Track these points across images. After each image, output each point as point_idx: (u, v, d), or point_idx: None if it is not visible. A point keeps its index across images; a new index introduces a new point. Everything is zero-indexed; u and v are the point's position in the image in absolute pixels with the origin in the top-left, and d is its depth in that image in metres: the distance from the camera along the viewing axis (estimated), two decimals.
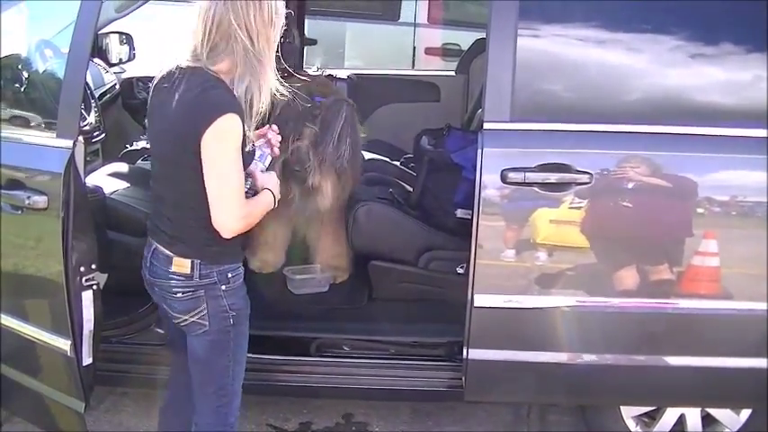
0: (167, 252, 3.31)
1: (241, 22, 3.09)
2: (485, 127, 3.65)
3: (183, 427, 3.65)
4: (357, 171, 4.72)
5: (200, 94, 3.10)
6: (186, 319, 3.35)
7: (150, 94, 3.33)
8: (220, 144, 3.08)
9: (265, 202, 3.35)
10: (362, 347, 4.38)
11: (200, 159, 3.09)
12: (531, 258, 3.77)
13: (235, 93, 3.14)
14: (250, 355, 3.75)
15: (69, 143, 3.48)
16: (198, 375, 3.47)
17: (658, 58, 3.73)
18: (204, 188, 3.11)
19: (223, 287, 3.30)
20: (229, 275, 3.31)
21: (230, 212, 3.14)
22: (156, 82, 3.29)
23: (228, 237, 3.17)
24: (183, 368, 3.53)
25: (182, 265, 3.28)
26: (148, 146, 5.74)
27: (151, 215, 3.47)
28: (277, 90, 3.27)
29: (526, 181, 3.62)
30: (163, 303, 3.42)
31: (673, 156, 3.69)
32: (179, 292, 3.32)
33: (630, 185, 3.70)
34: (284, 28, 3.26)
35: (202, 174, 3.11)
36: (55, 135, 3.57)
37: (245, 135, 3.15)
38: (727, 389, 3.91)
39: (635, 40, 3.77)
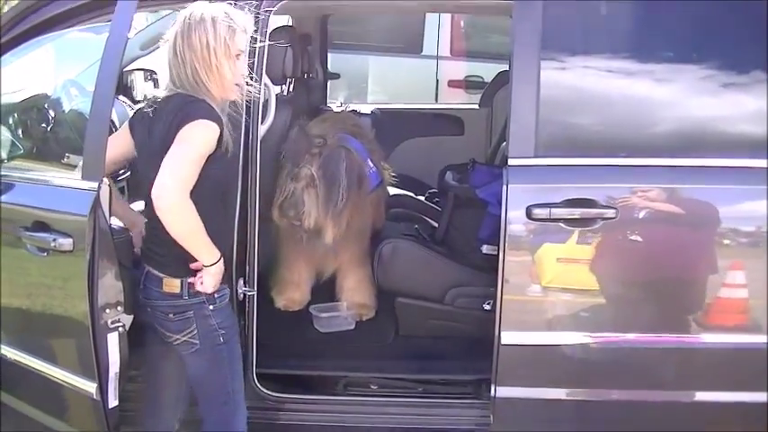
0: (158, 273, 3.46)
1: (187, 49, 3.33)
2: (509, 163, 3.65)
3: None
4: (381, 213, 4.72)
5: (179, 111, 3.31)
6: (178, 339, 3.48)
7: (131, 122, 3.54)
8: (192, 129, 3.26)
9: (201, 246, 3.36)
10: (390, 385, 4.36)
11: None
12: (557, 294, 3.75)
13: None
14: (278, 394, 3.76)
15: (95, 185, 3.48)
16: (199, 392, 3.65)
17: (685, 89, 3.72)
18: None
19: (210, 307, 3.44)
20: (216, 295, 3.44)
21: (171, 177, 3.22)
22: (136, 111, 3.56)
23: (158, 205, 3.23)
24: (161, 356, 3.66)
25: (172, 285, 3.44)
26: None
27: (144, 239, 3.60)
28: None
29: (551, 217, 3.60)
30: (156, 324, 3.53)
31: (700, 188, 3.67)
32: (170, 312, 3.47)
33: (656, 219, 3.68)
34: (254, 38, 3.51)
35: None
36: (80, 177, 3.57)
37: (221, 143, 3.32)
38: (758, 423, 3.85)
39: (660, 70, 3.76)
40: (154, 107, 3.41)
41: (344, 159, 4.46)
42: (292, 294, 4.97)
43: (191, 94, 3.34)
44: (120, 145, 3.55)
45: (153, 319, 3.53)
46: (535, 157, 3.64)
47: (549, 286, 3.73)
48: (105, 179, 3.49)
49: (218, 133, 3.28)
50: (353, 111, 5.74)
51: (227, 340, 3.50)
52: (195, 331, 3.45)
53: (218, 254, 3.37)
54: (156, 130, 3.36)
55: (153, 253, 3.48)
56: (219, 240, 3.43)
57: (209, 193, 3.36)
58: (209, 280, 3.37)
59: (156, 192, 3.22)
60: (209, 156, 3.29)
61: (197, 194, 3.28)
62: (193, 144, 3.25)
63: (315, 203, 4.37)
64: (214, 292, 3.42)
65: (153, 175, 3.26)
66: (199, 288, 3.39)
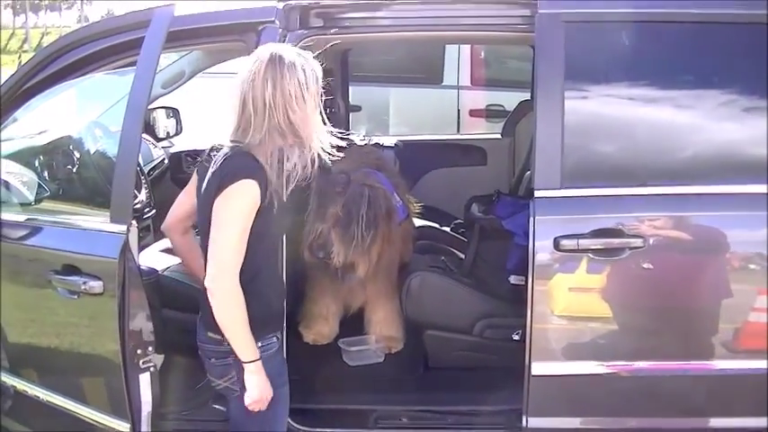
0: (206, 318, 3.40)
1: (258, 97, 3.22)
2: (536, 195, 3.65)
3: None
4: (408, 246, 4.73)
5: (220, 167, 3.25)
6: (220, 384, 3.45)
7: (197, 172, 3.47)
8: (227, 202, 3.22)
9: (240, 339, 3.30)
10: (421, 417, 4.33)
11: None
12: (587, 324, 3.76)
13: (266, 163, 3.26)
14: (309, 428, 3.76)
15: (123, 228, 3.51)
16: None
17: (710, 115, 3.73)
18: None
19: None
20: (259, 344, 3.34)
21: (216, 266, 3.21)
22: (198, 163, 3.47)
23: (209, 289, 3.22)
24: None
25: (217, 330, 3.33)
26: None
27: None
28: (317, 156, 3.34)
29: (579, 248, 3.60)
30: (205, 367, 3.51)
31: (726, 215, 3.67)
32: (212, 357, 3.43)
33: (684, 247, 3.68)
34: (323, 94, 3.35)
35: None
36: (108, 219, 3.60)
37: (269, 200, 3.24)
38: None
39: (686, 96, 3.77)
40: (210, 156, 3.37)
41: (366, 196, 4.47)
42: (321, 328, 4.98)
43: (238, 145, 3.29)
44: (192, 195, 3.53)
45: (202, 360, 3.51)
46: (561, 188, 3.64)
47: (578, 316, 3.73)
48: (133, 222, 3.52)
49: (259, 188, 3.22)
50: (376, 144, 5.74)
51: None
52: (235, 378, 3.38)
53: (256, 354, 3.30)
54: (206, 182, 3.34)
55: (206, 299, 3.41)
56: (268, 290, 3.44)
57: (252, 249, 3.30)
58: (250, 380, 3.31)
59: (207, 279, 3.23)
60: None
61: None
62: (232, 223, 3.23)
63: (341, 242, 4.38)
64: (258, 342, 3.32)
65: (205, 226, 3.31)
66: (247, 402, 3.34)
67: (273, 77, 3.22)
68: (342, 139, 3.40)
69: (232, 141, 3.29)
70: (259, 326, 3.36)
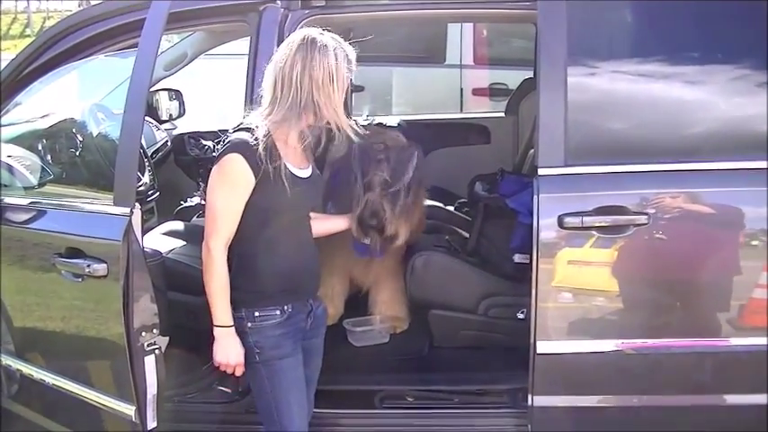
0: None
1: (286, 76, 3.35)
2: (539, 173, 3.64)
3: None
4: (424, 217, 4.69)
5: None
6: None
7: None
8: (213, 174, 3.40)
9: (217, 304, 3.44)
10: (426, 397, 4.34)
11: None
12: (591, 301, 3.75)
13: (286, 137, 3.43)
14: (315, 409, 3.76)
15: (127, 210, 3.51)
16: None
17: (716, 91, 3.71)
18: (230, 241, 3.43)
19: (249, 324, 3.49)
20: (256, 314, 3.48)
21: (205, 231, 3.40)
22: None
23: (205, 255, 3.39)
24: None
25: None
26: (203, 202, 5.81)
27: None
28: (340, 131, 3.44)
29: (584, 225, 3.60)
30: None
31: (731, 191, 3.66)
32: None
33: (688, 223, 3.68)
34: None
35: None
36: (112, 202, 3.60)
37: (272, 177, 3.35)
38: None
39: (690, 72, 3.75)
40: None
41: (415, 158, 4.40)
42: (327, 309, 4.94)
43: (246, 123, 3.43)
44: None
45: None
46: (565, 165, 3.63)
47: (583, 294, 3.73)
48: (137, 204, 3.52)
49: (247, 163, 3.33)
50: (379, 124, 5.72)
51: (262, 360, 3.51)
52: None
53: (228, 321, 3.45)
54: None
55: None
56: (277, 263, 3.51)
57: (252, 221, 3.42)
58: (216, 343, 3.48)
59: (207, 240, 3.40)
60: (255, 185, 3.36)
61: (243, 223, 3.41)
62: (215, 192, 3.39)
63: (392, 209, 4.28)
64: (254, 311, 3.47)
65: None
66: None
67: (303, 59, 3.32)
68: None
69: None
70: (254, 300, 3.50)
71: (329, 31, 3.43)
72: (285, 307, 3.52)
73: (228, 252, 3.41)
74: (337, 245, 4.55)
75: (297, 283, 3.57)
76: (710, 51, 3.74)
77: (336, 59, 3.34)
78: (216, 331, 3.45)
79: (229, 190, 3.36)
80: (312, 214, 3.74)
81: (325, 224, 3.98)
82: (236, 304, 3.48)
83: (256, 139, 3.32)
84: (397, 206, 4.25)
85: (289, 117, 3.35)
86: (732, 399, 3.80)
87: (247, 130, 3.37)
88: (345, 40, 3.44)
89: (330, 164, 4.63)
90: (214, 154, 3.49)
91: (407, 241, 4.52)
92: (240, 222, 3.41)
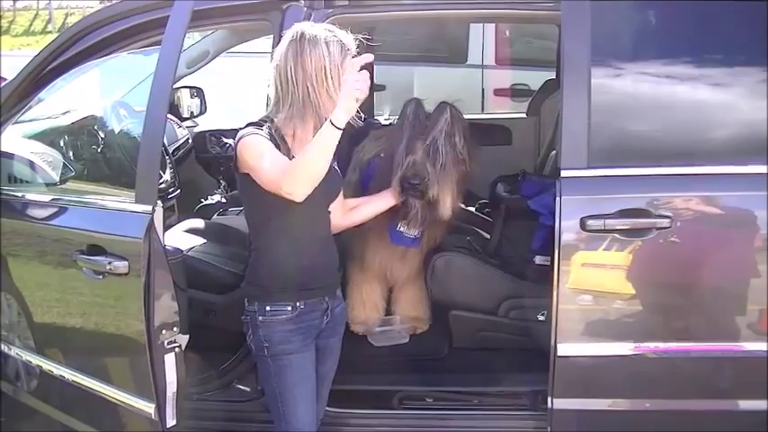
0: None
1: (282, 74, 3.37)
2: (562, 175, 3.61)
3: None
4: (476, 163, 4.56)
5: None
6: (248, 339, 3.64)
7: None
8: (245, 150, 3.35)
9: (317, 150, 3.25)
10: (445, 398, 4.35)
11: (246, 201, 3.57)
12: (613, 304, 3.73)
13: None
14: (333, 409, 3.75)
15: (148, 208, 3.51)
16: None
17: (740, 94, 3.68)
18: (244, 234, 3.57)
19: (260, 318, 3.52)
20: (267, 308, 3.51)
21: (277, 183, 3.27)
22: None
23: (291, 193, 3.25)
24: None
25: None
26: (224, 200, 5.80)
27: None
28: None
29: (606, 228, 3.57)
30: None
31: (754, 195, 3.60)
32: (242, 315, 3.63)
33: (711, 227, 3.65)
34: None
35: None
36: (134, 200, 3.61)
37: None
38: None
39: (715, 74, 3.72)
40: None
41: (448, 110, 4.53)
42: (371, 314, 4.93)
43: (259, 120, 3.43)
44: None
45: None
46: (588, 168, 3.61)
47: (604, 296, 3.71)
48: (158, 202, 3.52)
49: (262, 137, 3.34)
50: None
51: (271, 354, 3.52)
52: (252, 336, 3.57)
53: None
54: None
55: None
56: (290, 259, 3.51)
57: (267, 212, 3.44)
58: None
59: (284, 192, 3.26)
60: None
61: (252, 215, 3.49)
62: (258, 163, 3.31)
63: (434, 169, 4.21)
64: (266, 305, 3.50)
65: None
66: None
67: (295, 54, 3.32)
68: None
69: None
70: (264, 295, 3.53)
71: (350, 30, 3.42)
72: (297, 303, 3.52)
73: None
74: (378, 247, 4.64)
75: (311, 279, 3.56)
76: (736, 53, 3.71)
77: (329, 49, 3.32)
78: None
79: (265, 149, 3.31)
80: (354, 200, 3.75)
81: (370, 207, 4.02)
82: (250, 298, 3.56)
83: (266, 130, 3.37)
84: (438, 166, 4.21)
85: (293, 116, 3.38)
86: (750, 404, 3.76)
87: (255, 125, 3.40)
88: (367, 40, 3.42)
89: (358, 165, 4.63)
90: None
91: (448, 222, 4.51)
92: (255, 214, 3.47)
